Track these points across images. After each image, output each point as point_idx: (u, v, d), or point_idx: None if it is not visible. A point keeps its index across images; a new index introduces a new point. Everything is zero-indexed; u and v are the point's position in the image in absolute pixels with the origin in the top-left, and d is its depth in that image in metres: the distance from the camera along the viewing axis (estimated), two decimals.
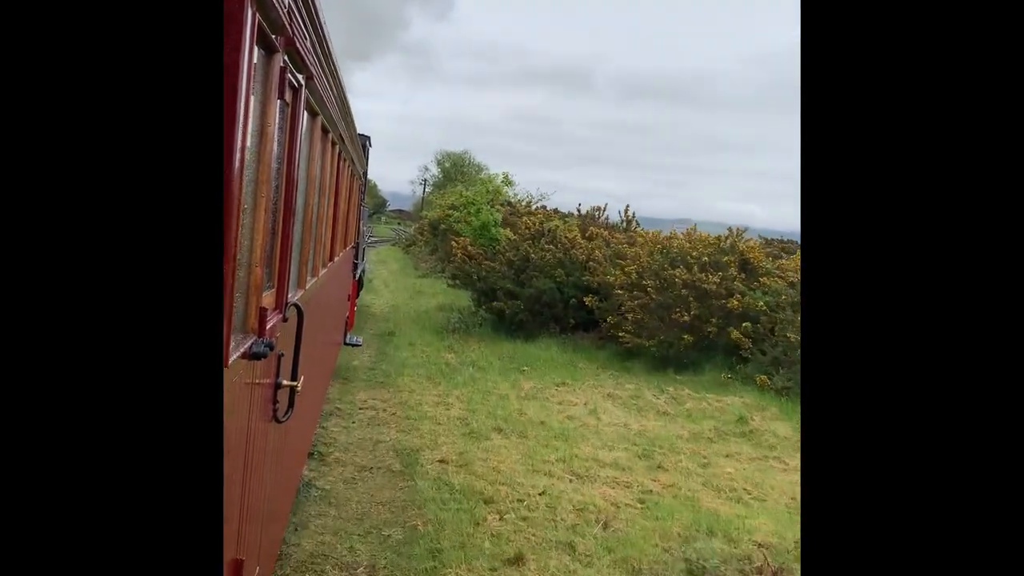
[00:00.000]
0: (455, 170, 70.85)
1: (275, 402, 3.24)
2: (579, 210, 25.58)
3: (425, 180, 78.02)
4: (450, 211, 29.34)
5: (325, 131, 4.88)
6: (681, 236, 15.24)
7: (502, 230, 20.67)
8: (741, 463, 7.90)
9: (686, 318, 12.31)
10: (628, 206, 23.77)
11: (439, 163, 77.34)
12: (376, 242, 49.22)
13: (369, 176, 16.25)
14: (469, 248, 21.08)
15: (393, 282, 25.80)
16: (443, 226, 29.88)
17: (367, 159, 12.71)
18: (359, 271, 13.50)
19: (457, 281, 20.12)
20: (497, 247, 18.49)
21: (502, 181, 25.49)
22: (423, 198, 75.12)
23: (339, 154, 6.35)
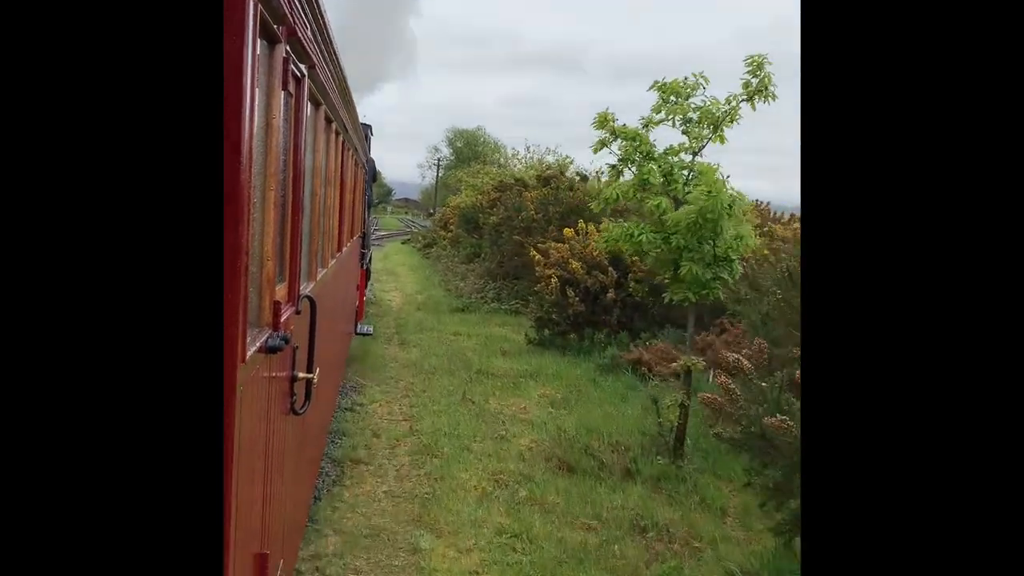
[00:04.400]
0: (468, 149, 64.75)
1: (292, 395, 3.23)
2: None
3: (439, 160, 70.56)
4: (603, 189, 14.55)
5: (328, 121, 4.85)
6: None
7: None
8: None
9: None
10: None
11: (451, 142, 70.46)
12: (383, 237, 39.29)
13: (375, 163, 13.92)
14: (575, 266, 11.22)
15: (414, 329, 12.77)
16: (492, 219, 18.64)
17: (369, 148, 12.66)
18: (366, 260, 13.33)
19: (546, 331, 11.52)
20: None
21: None
22: (437, 182, 68.80)
23: (343, 143, 6.32)
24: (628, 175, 6.86)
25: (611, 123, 6.87)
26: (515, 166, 34.23)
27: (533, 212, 16.72)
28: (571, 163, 29.96)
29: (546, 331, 11.80)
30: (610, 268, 11.31)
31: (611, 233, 7.05)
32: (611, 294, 11.28)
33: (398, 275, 22.47)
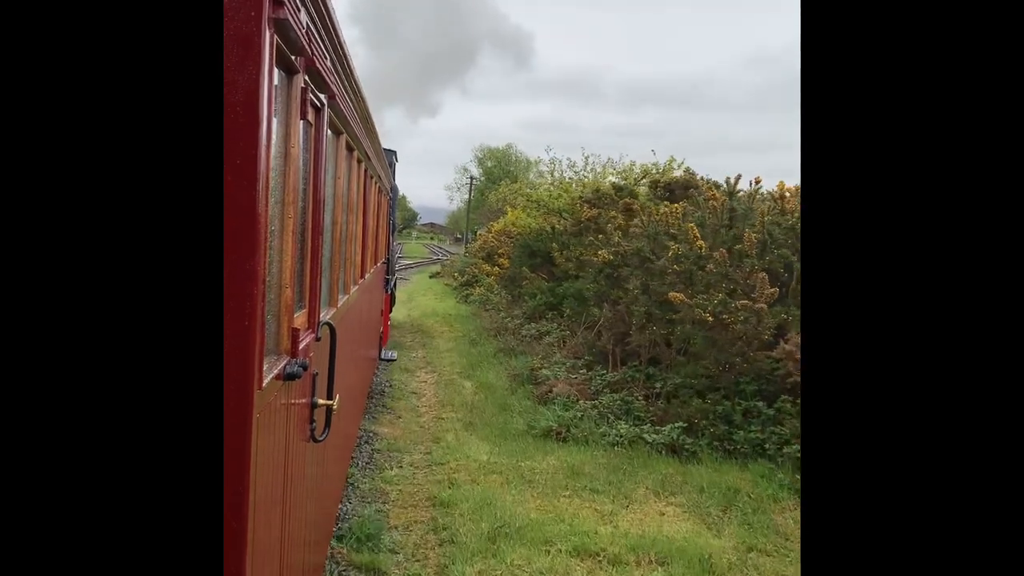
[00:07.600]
0: (499, 169, 61.10)
1: (312, 422, 3.24)
2: None
3: (472, 179, 65.16)
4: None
5: (350, 149, 4.91)
6: None
7: None
8: None
9: None
10: None
11: (480, 162, 66.96)
12: (407, 267, 33.71)
13: (398, 191, 13.57)
14: None
15: (476, 531, 5.29)
16: (600, 254, 11.60)
17: (394, 174, 12.76)
18: (390, 286, 13.32)
19: None
20: None
21: None
22: (469, 204, 62.94)
23: (365, 171, 6.38)
24: None
25: None
26: (569, 178, 24.46)
27: (699, 242, 9.10)
28: (681, 165, 20.50)
29: None
30: None
31: None
32: None
33: (429, 334, 14.68)
